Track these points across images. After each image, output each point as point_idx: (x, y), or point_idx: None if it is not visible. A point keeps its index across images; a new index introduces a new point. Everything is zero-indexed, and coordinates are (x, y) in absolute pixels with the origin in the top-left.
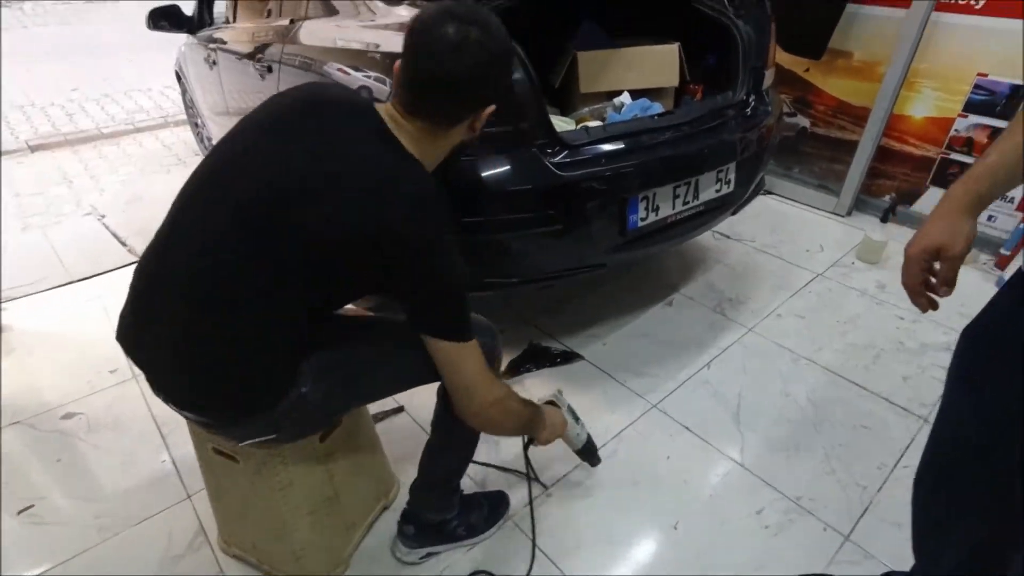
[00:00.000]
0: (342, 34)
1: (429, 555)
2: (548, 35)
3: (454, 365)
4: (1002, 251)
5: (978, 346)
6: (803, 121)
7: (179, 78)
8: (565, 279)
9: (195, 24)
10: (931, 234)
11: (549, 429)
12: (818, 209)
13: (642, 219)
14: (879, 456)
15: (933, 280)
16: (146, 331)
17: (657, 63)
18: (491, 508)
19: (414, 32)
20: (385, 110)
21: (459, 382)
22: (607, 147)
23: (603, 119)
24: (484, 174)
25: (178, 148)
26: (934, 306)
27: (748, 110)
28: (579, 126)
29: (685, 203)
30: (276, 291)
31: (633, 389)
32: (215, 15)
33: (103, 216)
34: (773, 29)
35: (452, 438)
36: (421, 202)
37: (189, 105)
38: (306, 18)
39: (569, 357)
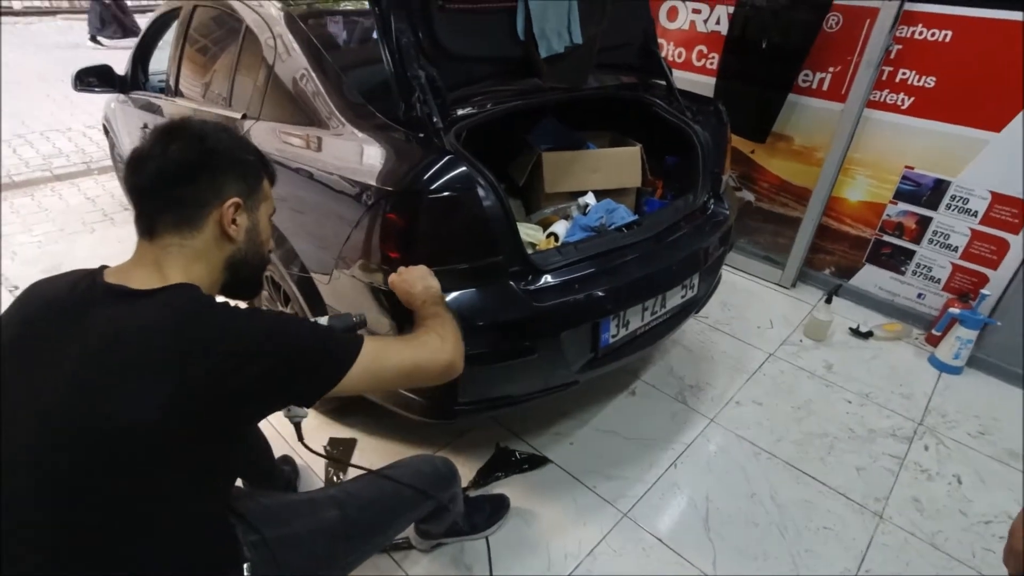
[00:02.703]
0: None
1: (439, 545)
2: (507, 127)
3: (383, 369)
4: (934, 331)
5: None
6: (748, 196)
7: (107, 131)
8: (536, 400)
9: (127, 83)
10: None
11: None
12: (764, 280)
13: (613, 336)
14: (842, 560)
15: None
16: None
17: (620, 164)
18: (493, 509)
19: None
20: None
21: (409, 368)
22: (580, 270)
23: (568, 218)
24: (458, 309)
25: (104, 201)
26: None
27: (709, 214)
28: (547, 233)
29: (653, 314)
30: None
31: (603, 495)
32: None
33: (15, 289)
34: (729, 136)
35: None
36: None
37: (118, 160)
38: (259, 118)
39: (537, 462)
